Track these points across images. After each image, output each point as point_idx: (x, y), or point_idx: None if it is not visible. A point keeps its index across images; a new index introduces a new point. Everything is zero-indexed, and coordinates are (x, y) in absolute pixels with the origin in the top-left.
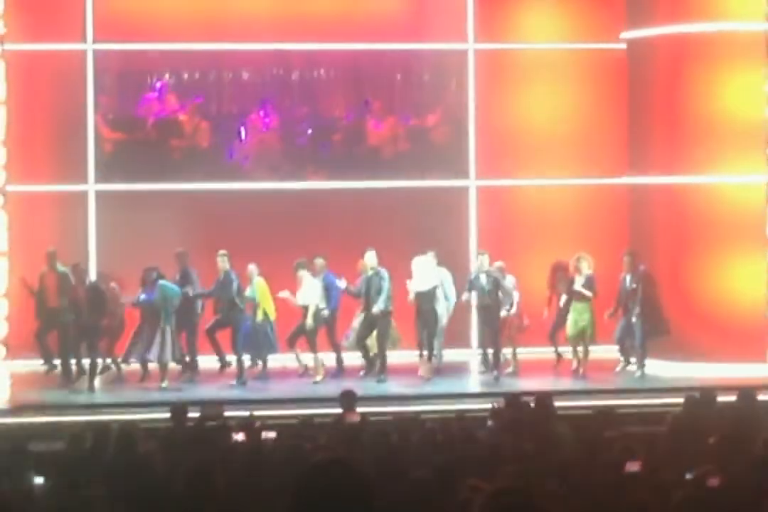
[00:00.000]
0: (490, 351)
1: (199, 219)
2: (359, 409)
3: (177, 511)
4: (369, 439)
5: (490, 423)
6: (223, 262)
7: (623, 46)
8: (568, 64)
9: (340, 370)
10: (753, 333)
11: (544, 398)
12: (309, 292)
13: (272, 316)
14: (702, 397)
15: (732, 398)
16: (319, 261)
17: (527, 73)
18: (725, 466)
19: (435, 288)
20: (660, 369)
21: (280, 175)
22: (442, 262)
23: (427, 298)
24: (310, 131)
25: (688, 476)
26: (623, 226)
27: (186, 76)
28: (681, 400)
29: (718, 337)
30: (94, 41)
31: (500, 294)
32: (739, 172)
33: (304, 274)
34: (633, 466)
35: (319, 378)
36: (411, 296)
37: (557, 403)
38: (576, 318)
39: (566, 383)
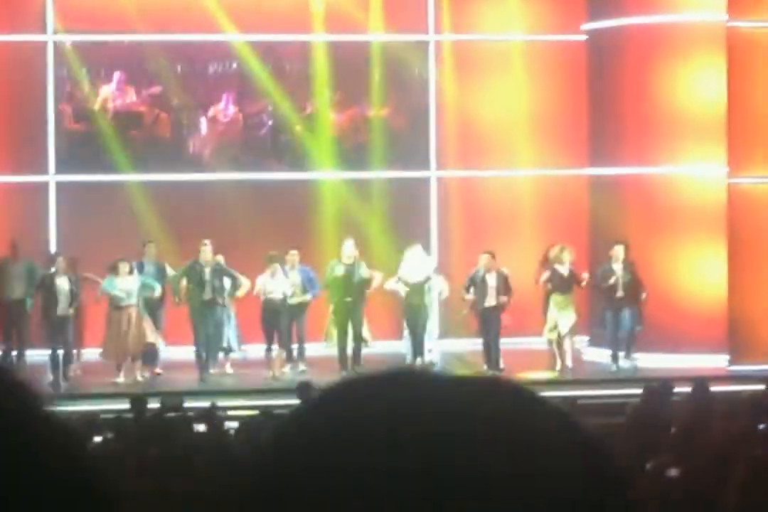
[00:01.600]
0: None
1: (159, 210)
2: None
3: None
4: None
5: None
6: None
7: (583, 37)
8: (529, 56)
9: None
10: (713, 324)
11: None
12: (284, 285)
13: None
14: (660, 388)
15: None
16: (294, 254)
17: (488, 65)
18: (684, 457)
19: (428, 280)
20: (622, 360)
21: (240, 166)
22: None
23: (418, 291)
24: (270, 122)
25: (647, 466)
26: (583, 216)
27: (145, 67)
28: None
29: (679, 327)
30: (55, 32)
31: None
32: (699, 163)
33: (276, 267)
34: None
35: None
36: (397, 288)
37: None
38: (558, 313)
39: (528, 375)
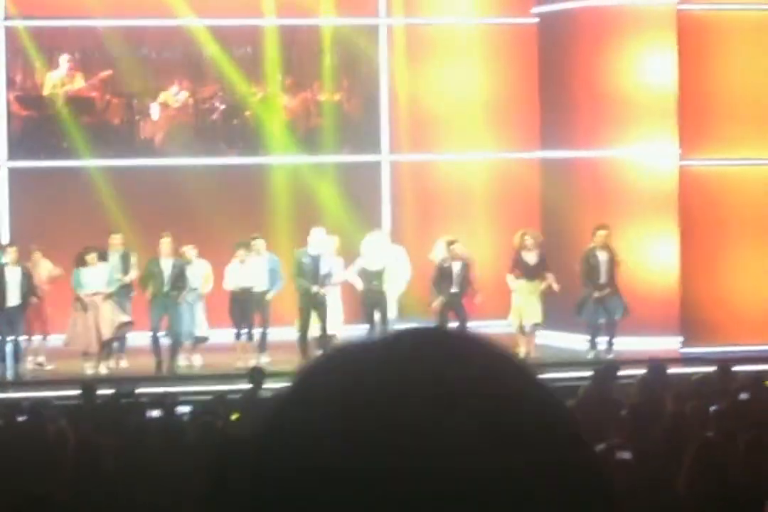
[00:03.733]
0: None
1: (114, 196)
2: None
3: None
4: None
5: None
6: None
7: (535, 20)
8: (480, 39)
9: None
10: (666, 306)
11: None
12: (257, 273)
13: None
14: (604, 370)
15: (642, 371)
16: (260, 242)
17: (440, 48)
18: (636, 439)
19: (385, 268)
20: (582, 343)
21: (192, 151)
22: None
23: (377, 278)
24: (222, 107)
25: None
26: (535, 200)
27: (96, 52)
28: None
29: (633, 310)
30: (6, 18)
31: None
32: (650, 145)
33: (244, 255)
34: None
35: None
36: (355, 275)
37: None
38: (524, 301)
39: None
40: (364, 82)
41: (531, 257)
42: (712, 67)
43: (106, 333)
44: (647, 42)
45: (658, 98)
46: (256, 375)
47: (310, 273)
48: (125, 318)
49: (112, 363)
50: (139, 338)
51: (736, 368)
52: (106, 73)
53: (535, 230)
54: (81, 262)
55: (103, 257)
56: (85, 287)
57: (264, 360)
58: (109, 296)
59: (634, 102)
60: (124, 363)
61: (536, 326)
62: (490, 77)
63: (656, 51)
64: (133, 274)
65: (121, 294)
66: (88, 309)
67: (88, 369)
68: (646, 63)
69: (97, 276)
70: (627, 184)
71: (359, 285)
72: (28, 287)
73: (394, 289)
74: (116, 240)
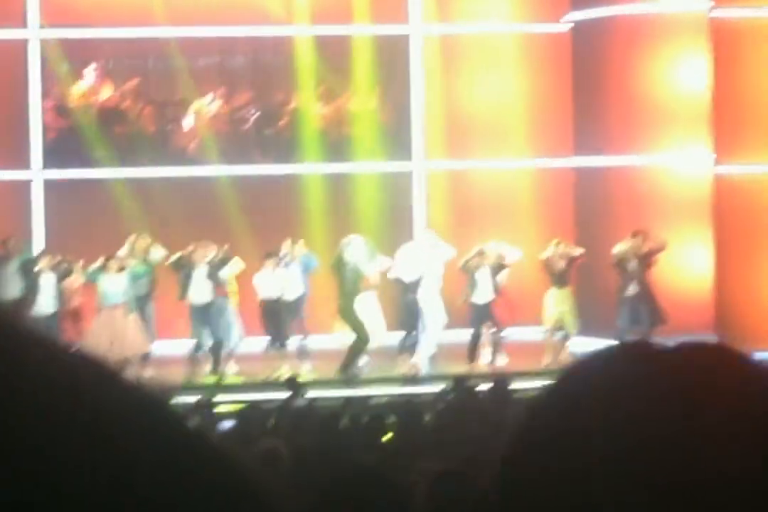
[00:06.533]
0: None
1: (147, 205)
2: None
3: None
4: (316, 423)
5: (439, 406)
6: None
7: (568, 27)
8: (514, 46)
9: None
10: (700, 313)
11: (502, 381)
12: (289, 281)
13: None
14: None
15: None
16: (290, 245)
17: (473, 56)
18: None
19: (421, 278)
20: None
21: (226, 160)
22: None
23: (412, 290)
24: (255, 116)
25: None
26: (569, 206)
27: (128, 61)
28: None
29: (669, 316)
30: (39, 27)
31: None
32: (685, 152)
33: (274, 263)
34: None
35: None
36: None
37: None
38: (555, 308)
39: (525, 364)
40: (397, 89)
41: (560, 265)
42: (745, 73)
43: (127, 350)
44: (680, 49)
45: (692, 105)
46: (293, 384)
47: (352, 281)
48: (144, 345)
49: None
50: (163, 347)
51: None
52: (133, 82)
53: (565, 241)
54: (103, 267)
55: (123, 266)
56: (105, 295)
57: (305, 368)
58: (130, 309)
59: (668, 109)
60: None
61: (569, 333)
62: (523, 84)
63: (689, 57)
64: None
65: (143, 302)
66: (108, 324)
67: None
68: (680, 70)
69: (115, 285)
70: (661, 190)
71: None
72: (62, 295)
73: (434, 296)
74: (141, 244)
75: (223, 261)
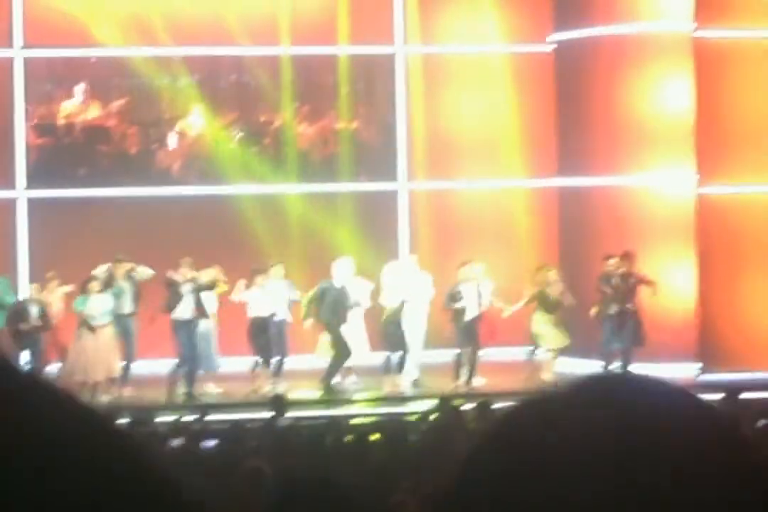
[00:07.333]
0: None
1: (129, 225)
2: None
3: None
4: (301, 443)
5: (423, 426)
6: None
7: (551, 47)
8: (496, 66)
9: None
10: (683, 334)
11: (484, 401)
12: (276, 300)
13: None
14: None
15: None
16: (279, 268)
17: (456, 76)
18: None
19: (404, 302)
20: (590, 368)
21: (210, 179)
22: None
23: (395, 313)
24: (239, 135)
25: None
26: (552, 227)
27: (113, 81)
28: None
29: (650, 337)
30: (23, 47)
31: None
32: (668, 173)
33: (263, 281)
34: None
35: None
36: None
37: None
38: (551, 330)
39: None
40: (380, 110)
41: (553, 292)
42: (729, 94)
43: (105, 372)
44: (664, 69)
45: (676, 125)
46: (278, 403)
47: (338, 305)
48: (117, 368)
49: (116, 392)
50: (143, 366)
51: (757, 395)
52: (121, 102)
53: (551, 265)
54: (83, 290)
55: (108, 285)
56: (88, 315)
57: (281, 389)
58: (112, 328)
59: (652, 129)
60: (127, 392)
61: (557, 352)
62: (507, 105)
63: (673, 78)
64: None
65: (126, 322)
66: (91, 341)
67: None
68: (663, 90)
69: (98, 305)
70: (644, 210)
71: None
72: (44, 319)
73: (418, 319)
74: (121, 268)
75: (210, 283)
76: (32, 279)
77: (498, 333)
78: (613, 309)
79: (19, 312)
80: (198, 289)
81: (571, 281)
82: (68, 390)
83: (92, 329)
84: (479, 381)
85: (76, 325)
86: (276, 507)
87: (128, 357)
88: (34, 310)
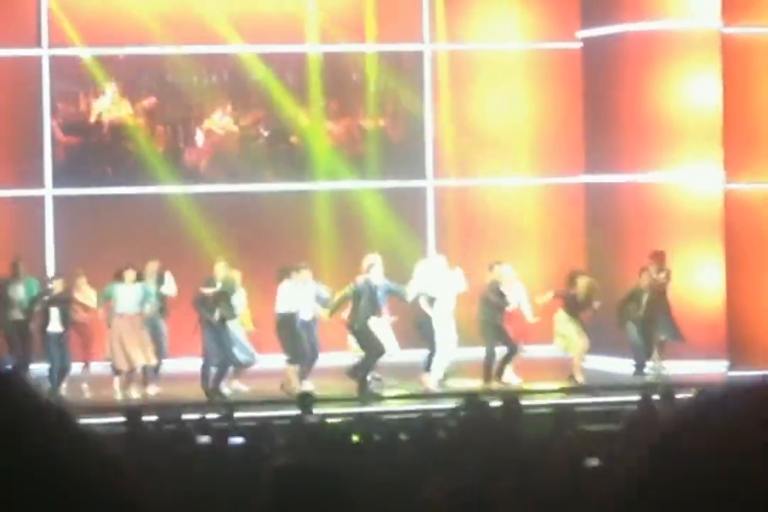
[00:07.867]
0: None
1: (157, 223)
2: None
3: None
4: (330, 440)
5: (451, 422)
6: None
7: (578, 44)
8: (524, 63)
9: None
10: (712, 330)
11: (511, 398)
12: (305, 299)
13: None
14: (661, 395)
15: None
16: (306, 272)
17: (483, 73)
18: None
19: (437, 297)
20: (618, 366)
21: (237, 177)
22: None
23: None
24: (267, 133)
25: None
26: (579, 224)
27: (141, 79)
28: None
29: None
30: (49, 46)
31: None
32: (696, 169)
33: (298, 279)
34: (592, 461)
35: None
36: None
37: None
38: (576, 331)
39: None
40: (408, 107)
41: (579, 296)
42: (757, 90)
43: (142, 359)
44: (691, 65)
45: (703, 121)
46: (306, 400)
47: (374, 303)
48: (154, 360)
49: (144, 389)
50: (173, 364)
51: None
52: (150, 101)
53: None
54: (118, 277)
55: (140, 277)
56: (118, 304)
57: (308, 386)
58: (144, 320)
59: (679, 125)
60: (153, 390)
61: (584, 354)
62: (534, 102)
63: (701, 74)
64: (172, 290)
65: (156, 317)
66: (125, 329)
67: (119, 394)
68: (691, 86)
69: (131, 294)
70: (672, 207)
71: (428, 309)
72: (68, 315)
73: (447, 314)
74: (153, 267)
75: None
76: (59, 278)
77: (529, 332)
78: (642, 311)
79: (46, 312)
80: (224, 295)
81: (597, 278)
82: (29, 386)
83: (121, 317)
84: (514, 380)
85: (106, 318)
86: (271, 500)
87: (159, 355)
88: (58, 311)
